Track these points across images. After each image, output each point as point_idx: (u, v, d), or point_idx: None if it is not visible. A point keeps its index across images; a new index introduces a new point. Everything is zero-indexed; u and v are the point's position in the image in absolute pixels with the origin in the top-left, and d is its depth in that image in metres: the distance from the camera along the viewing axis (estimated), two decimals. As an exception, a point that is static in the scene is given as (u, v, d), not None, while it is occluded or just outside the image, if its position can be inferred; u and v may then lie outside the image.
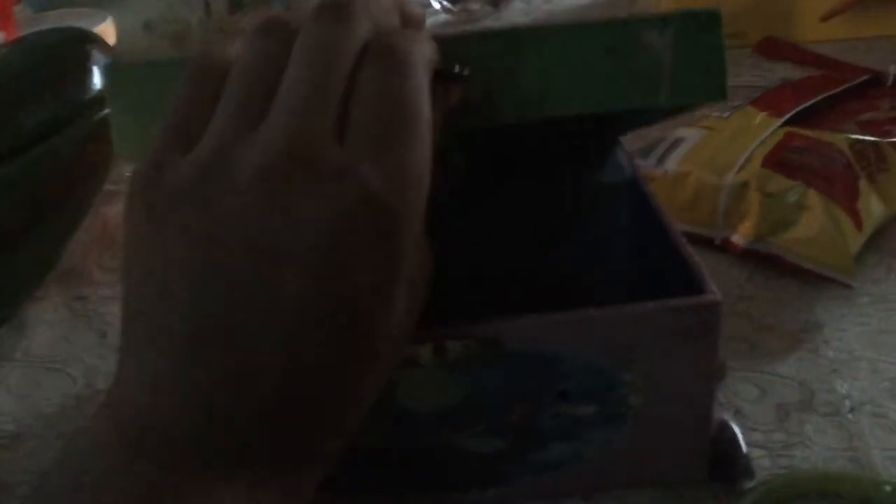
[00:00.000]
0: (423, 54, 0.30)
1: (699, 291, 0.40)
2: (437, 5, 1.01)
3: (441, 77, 0.31)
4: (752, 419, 0.47)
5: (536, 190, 0.49)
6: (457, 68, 0.33)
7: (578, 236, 0.50)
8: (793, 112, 0.64)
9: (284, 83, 0.28)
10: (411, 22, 0.32)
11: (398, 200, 0.27)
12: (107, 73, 0.45)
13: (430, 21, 1.02)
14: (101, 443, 0.27)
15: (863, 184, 0.59)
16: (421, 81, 0.29)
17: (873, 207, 0.59)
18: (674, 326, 0.39)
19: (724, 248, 0.59)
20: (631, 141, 0.55)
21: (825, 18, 0.92)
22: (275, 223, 0.26)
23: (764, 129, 0.63)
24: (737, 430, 0.44)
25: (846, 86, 0.69)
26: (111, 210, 0.70)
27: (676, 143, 0.64)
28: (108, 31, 0.79)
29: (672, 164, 0.62)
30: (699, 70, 0.37)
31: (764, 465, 0.45)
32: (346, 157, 0.27)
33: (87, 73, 0.60)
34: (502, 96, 0.34)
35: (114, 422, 0.28)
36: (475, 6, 1.01)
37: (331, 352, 0.28)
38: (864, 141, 0.61)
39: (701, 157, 0.62)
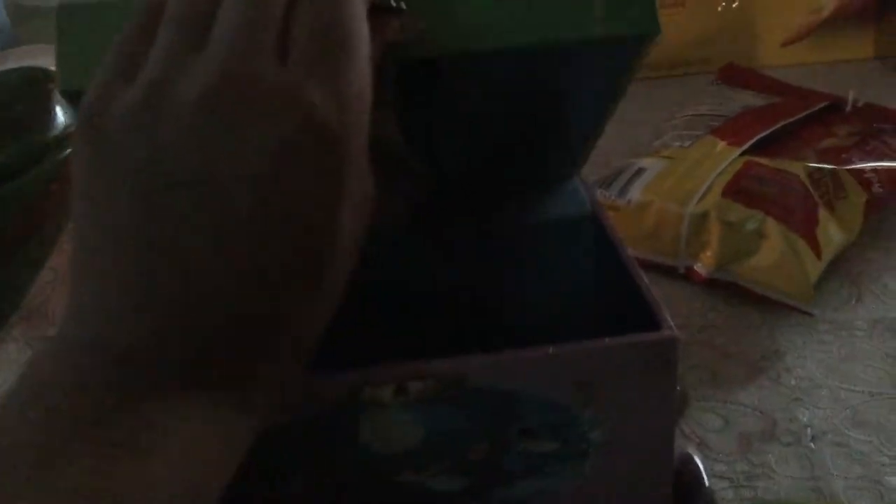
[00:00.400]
0: None
1: (656, 327, 0.40)
2: None
3: (378, 9, 0.32)
4: (715, 450, 0.48)
5: (494, 222, 0.50)
6: (393, 1, 0.34)
7: (539, 270, 0.51)
8: (752, 141, 0.65)
9: (223, 8, 0.28)
10: None
11: (341, 120, 0.27)
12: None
13: None
14: (52, 373, 0.27)
15: (821, 212, 0.60)
16: (358, 8, 0.29)
17: (832, 235, 0.60)
18: (632, 362, 0.39)
19: (687, 277, 0.60)
20: (593, 171, 0.56)
21: (787, 44, 0.94)
22: (218, 149, 0.26)
23: (724, 158, 0.64)
24: (699, 462, 0.44)
25: (805, 112, 0.70)
26: (77, 247, 0.69)
27: (638, 172, 0.65)
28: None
29: (634, 193, 0.63)
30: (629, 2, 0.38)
31: (727, 496, 0.45)
32: (288, 77, 0.27)
33: (50, 114, 0.61)
34: (438, 29, 0.35)
35: (64, 353, 0.27)
36: None
37: (281, 271, 0.28)
38: (822, 169, 0.62)
39: (663, 187, 0.63)
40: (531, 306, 0.52)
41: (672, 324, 0.39)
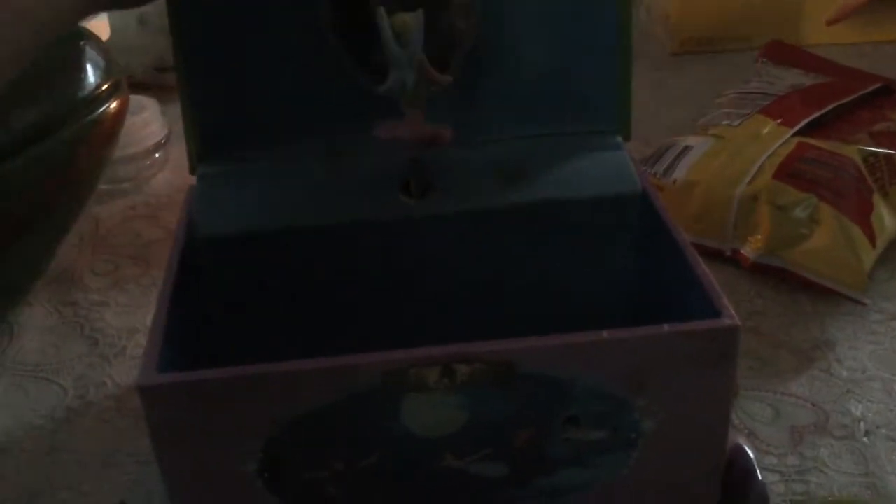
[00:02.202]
0: None
1: (715, 314, 0.38)
2: None
3: None
4: (765, 441, 0.46)
5: (533, 194, 0.47)
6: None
7: (581, 249, 0.49)
8: (804, 122, 0.62)
9: None
10: None
11: None
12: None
13: None
14: None
15: (876, 197, 0.58)
16: None
17: (886, 221, 0.57)
18: (689, 351, 0.38)
19: (734, 260, 0.58)
20: (633, 149, 0.53)
21: (832, 22, 0.91)
22: None
23: (774, 138, 0.61)
24: (752, 455, 0.43)
25: (857, 94, 0.67)
26: (105, 211, 0.68)
27: (684, 151, 0.63)
28: (102, 26, 0.77)
29: (680, 172, 0.61)
30: None
31: (779, 490, 0.43)
32: None
33: (81, 72, 0.59)
34: None
35: None
36: None
37: None
38: (877, 153, 0.60)
39: (710, 167, 0.60)
40: (571, 288, 0.50)
41: (732, 312, 0.38)
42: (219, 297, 0.47)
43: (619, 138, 0.50)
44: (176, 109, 0.78)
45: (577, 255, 0.49)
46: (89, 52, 0.59)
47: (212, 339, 0.46)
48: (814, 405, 0.48)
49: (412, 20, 0.42)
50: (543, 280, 0.49)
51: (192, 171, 0.48)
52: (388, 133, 0.45)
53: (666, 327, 0.37)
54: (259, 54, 0.50)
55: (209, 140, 0.48)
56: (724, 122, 0.65)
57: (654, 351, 0.38)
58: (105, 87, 0.59)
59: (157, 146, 0.73)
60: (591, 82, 0.50)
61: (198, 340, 0.44)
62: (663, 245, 0.45)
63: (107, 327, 0.56)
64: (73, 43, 0.59)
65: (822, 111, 0.64)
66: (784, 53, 0.78)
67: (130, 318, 0.57)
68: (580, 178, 0.48)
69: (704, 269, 0.41)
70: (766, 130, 0.62)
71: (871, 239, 0.56)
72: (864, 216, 0.56)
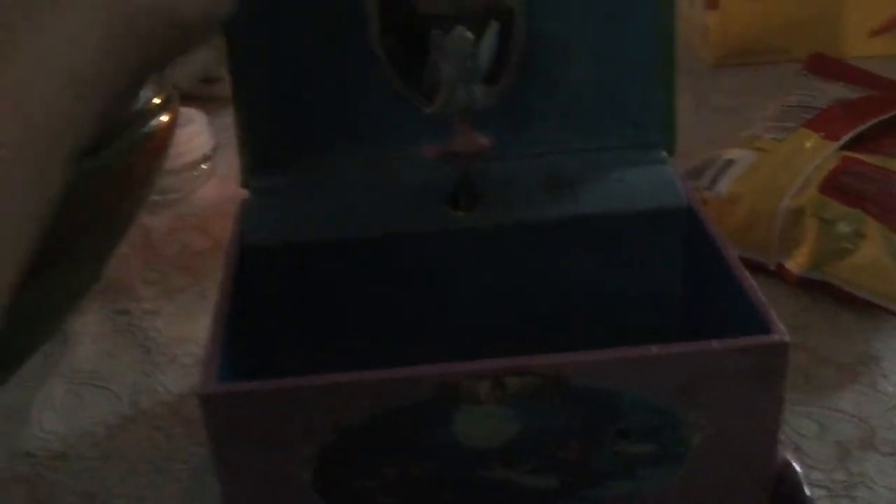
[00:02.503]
0: None
1: (764, 330, 0.38)
2: None
3: None
4: (811, 457, 0.46)
5: (578, 206, 0.48)
6: None
7: (632, 264, 0.49)
8: (850, 135, 0.62)
9: None
10: None
11: None
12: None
13: None
14: None
15: (922, 212, 0.57)
16: None
17: (933, 236, 0.57)
18: (739, 367, 0.38)
19: (778, 274, 0.58)
20: (680, 161, 0.54)
21: (875, 34, 0.91)
22: None
23: (819, 152, 0.61)
24: (799, 470, 0.43)
25: (902, 108, 0.67)
26: (154, 221, 0.69)
27: (728, 164, 0.63)
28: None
29: (725, 186, 0.61)
30: None
31: (825, 506, 0.44)
32: None
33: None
34: None
35: None
36: None
37: None
38: (923, 168, 0.60)
39: (754, 180, 0.61)
40: (618, 301, 0.50)
41: (782, 328, 0.38)
42: (270, 306, 0.48)
43: (664, 152, 0.50)
44: (222, 121, 0.80)
45: (624, 268, 0.49)
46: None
47: (263, 347, 0.47)
48: (860, 420, 0.48)
49: (465, 38, 0.42)
50: (591, 293, 0.50)
51: (245, 184, 0.49)
52: (434, 153, 0.46)
53: (715, 343, 0.38)
54: (309, 70, 0.51)
55: (260, 154, 0.49)
56: (768, 136, 0.65)
57: (703, 366, 0.38)
58: (157, 100, 0.60)
59: (205, 158, 0.75)
60: (635, 97, 0.51)
61: (251, 349, 0.45)
62: (710, 259, 0.45)
63: (158, 336, 0.58)
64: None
65: (867, 125, 0.64)
66: (827, 66, 0.77)
67: (181, 326, 0.58)
68: (626, 192, 0.48)
69: (752, 283, 0.41)
70: (809, 144, 0.62)
71: (918, 254, 0.56)
72: (910, 231, 0.56)
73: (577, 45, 0.51)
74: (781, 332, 0.38)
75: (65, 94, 0.29)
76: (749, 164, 0.62)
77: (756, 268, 0.58)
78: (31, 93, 0.28)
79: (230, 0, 0.39)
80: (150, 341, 0.57)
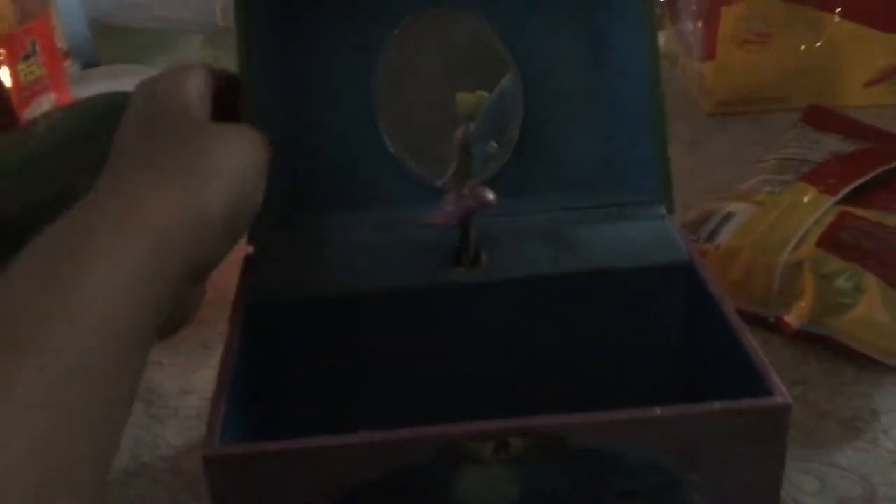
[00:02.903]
0: None
1: (766, 391, 0.39)
2: None
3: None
4: (812, 515, 0.46)
5: (575, 263, 0.48)
6: None
7: (625, 321, 0.49)
8: (846, 189, 0.63)
9: None
10: None
11: None
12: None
13: None
14: None
15: (919, 267, 0.58)
16: None
17: (930, 291, 0.58)
18: (740, 428, 0.38)
19: (777, 327, 0.58)
20: (680, 215, 0.54)
21: (871, 84, 0.92)
22: None
23: (817, 206, 0.62)
24: (800, 529, 0.43)
25: (898, 161, 0.68)
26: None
27: (727, 217, 0.63)
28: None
29: (724, 238, 0.62)
30: None
31: (827, 565, 0.43)
32: None
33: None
34: None
35: None
36: None
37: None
38: (919, 222, 0.60)
39: (753, 234, 0.61)
40: (619, 358, 0.50)
41: (784, 389, 0.38)
42: (275, 364, 0.48)
43: (663, 208, 0.51)
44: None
45: (625, 323, 0.50)
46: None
47: (268, 405, 0.47)
48: (860, 477, 0.48)
49: (476, 101, 0.44)
50: (592, 349, 0.50)
51: (249, 239, 0.49)
52: (435, 219, 0.47)
53: (717, 405, 0.38)
54: (316, 130, 0.52)
55: (265, 209, 0.50)
56: (766, 189, 0.65)
57: (705, 428, 0.38)
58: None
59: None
60: (632, 159, 0.52)
61: (255, 407, 0.45)
62: (710, 316, 0.45)
63: (159, 387, 0.58)
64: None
65: (863, 179, 0.65)
66: (823, 118, 0.78)
67: (183, 379, 0.58)
68: (628, 248, 0.49)
69: (752, 342, 0.41)
70: (807, 198, 0.63)
71: (916, 309, 0.56)
72: (908, 286, 0.57)
73: (572, 111, 0.53)
74: (783, 394, 0.38)
75: (123, 308, 0.33)
76: (748, 217, 0.62)
77: (755, 320, 0.59)
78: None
79: (260, 200, 0.42)
80: (152, 393, 0.57)
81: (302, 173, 0.51)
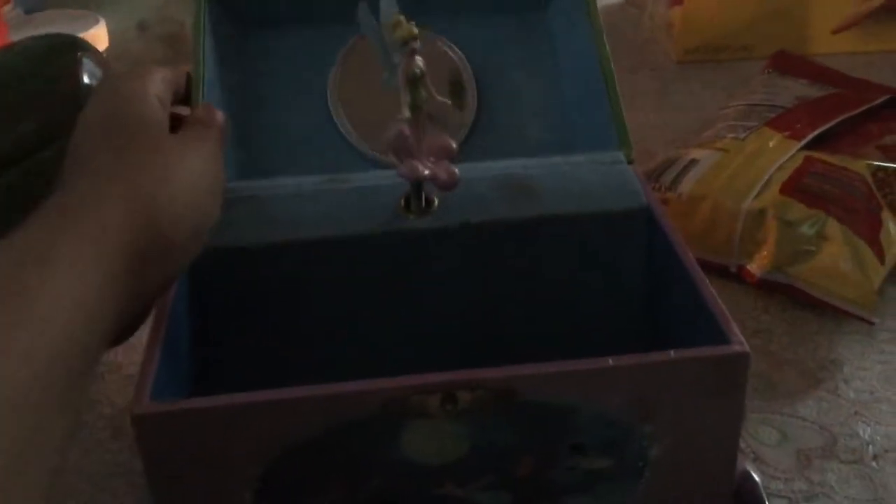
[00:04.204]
0: None
1: (723, 340, 0.37)
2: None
3: None
4: (772, 465, 0.45)
5: (529, 208, 0.46)
6: None
7: (582, 268, 0.48)
8: (812, 135, 0.62)
9: None
10: None
11: None
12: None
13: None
14: None
15: (885, 214, 0.57)
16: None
17: (895, 238, 0.56)
18: (697, 378, 0.37)
19: (739, 276, 0.57)
20: (642, 160, 0.53)
21: (838, 31, 0.90)
22: None
23: (781, 152, 0.60)
24: (758, 480, 0.42)
25: (865, 107, 0.66)
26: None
27: (691, 164, 0.62)
28: (100, 34, 0.76)
29: (686, 186, 0.60)
30: None
31: (786, 517, 0.43)
32: None
33: (78, 83, 0.58)
34: None
35: None
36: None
37: None
38: (885, 168, 0.59)
39: (717, 181, 0.60)
40: (576, 307, 0.49)
41: (742, 338, 0.37)
42: (216, 313, 0.46)
43: (622, 155, 0.49)
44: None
45: (582, 272, 0.48)
46: (87, 62, 0.58)
47: (209, 357, 0.45)
48: (821, 427, 0.48)
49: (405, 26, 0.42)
50: (547, 298, 0.48)
51: None
52: (410, 171, 0.44)
53: (672, 353, 0.36)
54: (268, 128, 0.51)
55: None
56: (730, 135, 0.64)
57: (660, 378, 0.37)
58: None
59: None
60: (587, 126, 0.51)
61: (194, 359, 0.44)
62: (670, 265, 0.44)
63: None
64: (71, 54, 0.58)
65: (830, 124, 0.63)
66: (790, 64, 0.77)
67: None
68: (584, 194, 0.47)
69: (712, 292, 0.40)
70: (772, 144, 0.62)
71: (880, 256, 0.55)
72: (872, 233, 0.55)
73: (525, 102, 0.53)
74: (741, 342, 0.37)
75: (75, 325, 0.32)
76: (711, 164, 0.61)
77: (718, 270, 0.57)
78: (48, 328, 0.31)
79: (218, 210, 0.41)
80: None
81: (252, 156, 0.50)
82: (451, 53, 0.54)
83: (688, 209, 0.59)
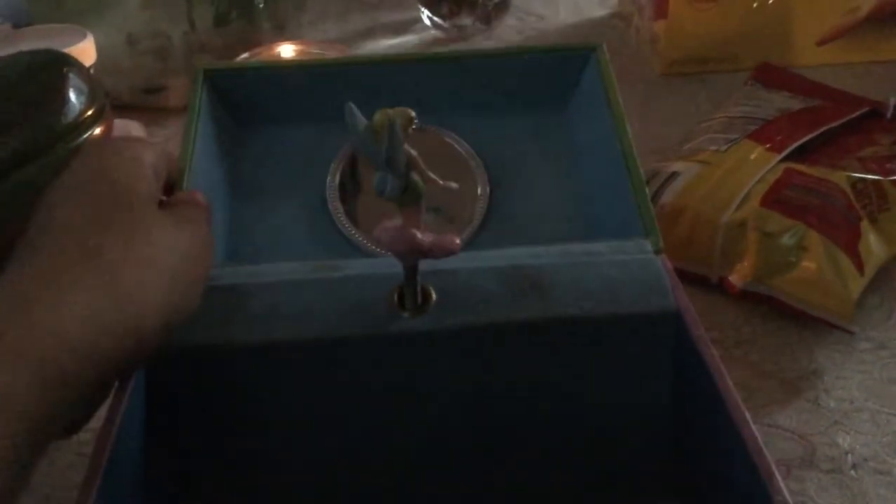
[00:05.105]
0: None
1: (764, 497, 0.32)
2: (427, 21, 0.99)
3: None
4: (751, 476, 0.46)
5: (548, 309, 0.40)
6: None
7: (604, 378, 0.42)
8: (791, 147, 0.62)
9: None
10: None
11: None
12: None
13: (420, 38, 1.00)
14: None
15: (864, 224, 0.57)
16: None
17: (874, 249, 0.57)
18: None
19: (721, 287, 0.58)
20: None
21: (822, 43, 0.91)
22: None
23: (762, 164, 0.61)
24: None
25: (846, 118, 0.67)
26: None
27: (672, 177, 0.62)
28: (88, 48, 0.76)
29: (667, 198, 0.61)
30: None
31: (764, 527, 0.43)
32: None
33: (64, 99, 0.58)
34: None
35: None
36: (466, 22, 0.99)
37: None
38: (865, 179, 0.59)
39: (698, 192, 0.60)
40: (585, 425, 0.42)
41: (787, 495, 0.32)
42: (187, 422, 0.41)
43: (648, 245, 0.44)
44: (162, 132, 0.78)
45: (598, 383, 0.42)
46: (72, 78, 0.58)
47: (179, 473, 0.41)
48: (801, 437, 0.48)
49: (393, 115, 0.36)
50: (559, 412, 0.42)
51: None
52: (386, 236, 0.38)
53: None
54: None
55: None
56: (712, 148, 0.64)
57: None
58: (89, 112, 0.59)
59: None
60: (608, 218, 0.48)
61: (167, 466, 0.40)
62: (700, 384, 0.38)
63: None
64: (57, 69, 0.59)
65: (810, 136, 0.64)
66: (773, 76, 0.77)
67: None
68: (603, 292, 0.41)
69: (751, 429, 0.35)
70: (753, 156, 0.62)
71: (860, 267, 0.56)
72: (852, 244, 0.56)
73: (540, 195, 0.50)
74: (785, 500, 0.32)
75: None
76: (692, 176, 0.61)
77: (699, 281, 0.58)
78: None
79: (198, 300, 0.37)
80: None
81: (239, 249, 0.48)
82: (456, 146, 0.51)
83: (669, 221, 0.59)
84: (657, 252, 0.43)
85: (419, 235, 0.37)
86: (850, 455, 0.47)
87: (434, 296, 0.41)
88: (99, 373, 0.32)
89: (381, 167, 0.36)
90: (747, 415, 0.35)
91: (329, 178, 0.51)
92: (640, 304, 0.40)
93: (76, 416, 0.34)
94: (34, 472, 0.31)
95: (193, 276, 0.37)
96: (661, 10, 0.90)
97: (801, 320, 0.55)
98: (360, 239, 0.49)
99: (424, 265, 0.40)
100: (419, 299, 0.40)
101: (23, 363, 0.30)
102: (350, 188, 0.51)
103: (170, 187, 0.42)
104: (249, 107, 0.53)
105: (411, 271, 0.39)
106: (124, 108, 0.78)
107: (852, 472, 0.46)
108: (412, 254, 0.38)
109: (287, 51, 0.82)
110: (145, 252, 0.35)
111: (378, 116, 0.36)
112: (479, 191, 0.50)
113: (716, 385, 0.36)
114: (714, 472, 0.36)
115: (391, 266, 0.40)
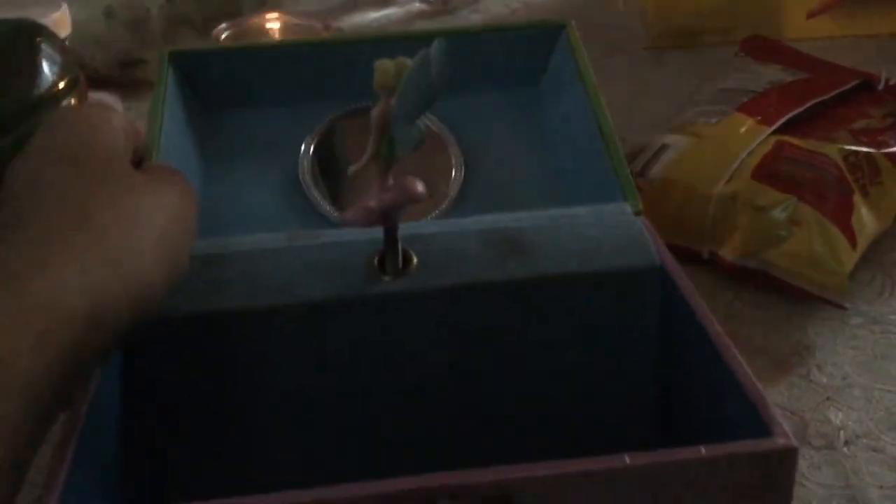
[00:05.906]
0: None
1: (763, 432, 0.31)
2: (413, -5, 0.97)
3: None
4: (742, 453, 0.45)
5: (533, 267, 0.40)
6: None
7: (589, 338, 0.41)
8: (783, 120, 0.61)
9: None
10: None
11: None
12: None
13: (405, 10, 0.98)
14: None
15: (856, 198, 0.56)
16: None
17: (867, 223, 0.56)
18: (730, 478, 0.30)
19: (712, 262, 0.57)
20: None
21: (812, 15, 0.90)
22: None
23: (753, 137, 0.60)
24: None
25: (837, 91, 0.66)
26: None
27: (662, 149, 0.61)
28: (63, 18, 0.74)
29: (658, 172, 0.60)
30: None
31: (756, 505, 0.42)
32: None
33: (37, 70, 0.56)
34: None
35: None
36: (454, -4, 0.98)
37: None
38: (857, 152, 0.58)
39: (687, 166, 0.59)
40: (571, 385, 0.42)
41: (786, 428, 0.31)
42: (162, 393, 0.40)
43: (629, 206, 0.44)
44: (140, 105, 0.76)
45: (583, 342, 0.41)
46: (45, 48, 0.56)
47: (157, 443, 0.40)
48: (793, 413, 0.47)
49: (396, 69, 0.36)
50: (544, 373, 0.41)
51: None
52: (354, 217, 0.39)
53: (703, 450, 0.30)
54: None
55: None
56: (702, 120, 0.63)
57: (687, 479, 0.30)
58: (61, 84, 0.57)
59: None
60: (585, 174, 0.48)
61: (136, 440, 0.39)
62: (689, 336, 0.37)
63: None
64: (29, 40, 0.57)
65: (802, 108, 0.63)
66: (763, 48, 0.76)
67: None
68: (585, 251, 0.41)
69: (746, 370, 0.34)
70: (744, 129, 0.61)
71: (852, 241, 0.55)
72: (844, 217, 0.55)
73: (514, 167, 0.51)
74: (785, 433, 0.31)
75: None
76: (682, 149, 0.60)
77: (689, 256, 0.57)
78: None
79: (187, 259, 0.37)
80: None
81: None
82: (429, 123, 0.51)
83: (659, 195, 0.58)
84: (637, 213, 0.43)
85: (382, 196, 0.37)
86: (842, 431, 0.46)
87: (415, 259, 0.40)
88: (99, 340, 0.32)
89: (419, 109, 0.36)
90: (741, 358, 0.34)
91: (301, 156, 0.51)
92: (623, 260, 0.40)
93: (78, 387, 0.33)
94: (39, 448, 0.30)
95: (182, 232, 0.36)
96: (649, -19, 0.89)
97: (793, 296, 0.54)
98: (336, 215, 0.48)
99: (405, 230, 0.39)
100: (400, 263, 0.40)
101: (21, 335, 0.29)
102: (324, 166, 0.51)
103: (138, 162, 0.40)
104: (217, 90, 0.53)
105: (391, 234, 0.39)
106: (101, 82, 0.76)
107: (845, 448, 0.45)
108: (384, 216, 0.38)
109: (267, 22, 0.80)
110: (133, 212, 0.34)
111: (388, 64, 0.36)
112: (453, 167, 0.51)
113: (707, 333, 0.36)
114: (710, 419, 0.35)
115: (370, 233, 0.40)
